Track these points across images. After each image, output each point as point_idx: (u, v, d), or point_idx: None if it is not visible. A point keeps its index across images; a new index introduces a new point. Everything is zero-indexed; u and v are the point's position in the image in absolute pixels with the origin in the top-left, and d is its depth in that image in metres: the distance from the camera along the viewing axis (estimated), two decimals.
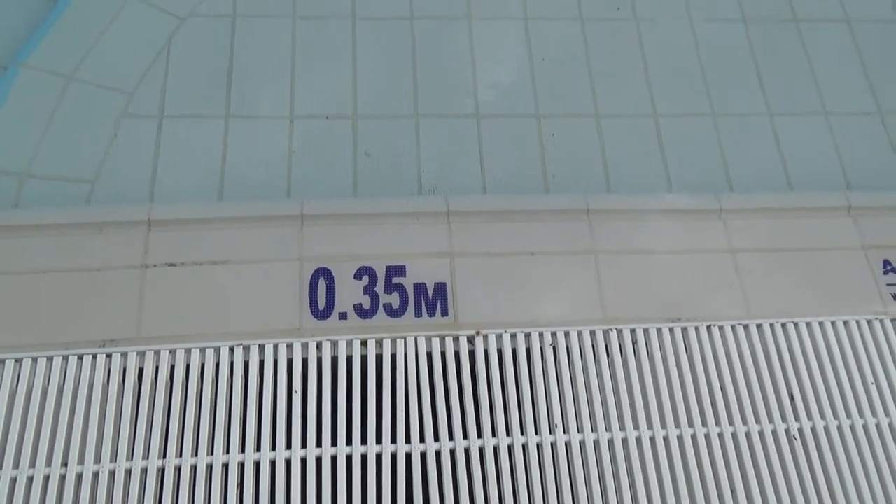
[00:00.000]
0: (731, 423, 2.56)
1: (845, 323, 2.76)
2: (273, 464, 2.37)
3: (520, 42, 3.37)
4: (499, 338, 2.61)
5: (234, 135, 3.05)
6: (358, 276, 2.68)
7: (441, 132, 3.14)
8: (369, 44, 3.32)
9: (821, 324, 2.75)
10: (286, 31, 3.31)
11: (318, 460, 2.38)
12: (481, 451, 2.43)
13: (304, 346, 2.53)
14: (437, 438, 2.43)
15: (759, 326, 2.72)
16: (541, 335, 2.62)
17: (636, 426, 2.52)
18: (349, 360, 2.55)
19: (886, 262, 2.86)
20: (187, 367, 2.49)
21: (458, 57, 3.32)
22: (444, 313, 2.64)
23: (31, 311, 2.53)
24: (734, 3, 3.53)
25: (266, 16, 3.34)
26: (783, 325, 2.73)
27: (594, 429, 2.50)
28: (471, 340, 2.61)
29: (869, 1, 3.59)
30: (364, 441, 2.42)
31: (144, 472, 2.32)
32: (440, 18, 3.41)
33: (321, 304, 2.63)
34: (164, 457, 2.35)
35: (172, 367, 2.49)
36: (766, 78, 3.34)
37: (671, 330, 2.68)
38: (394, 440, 2.42)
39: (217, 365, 2.50)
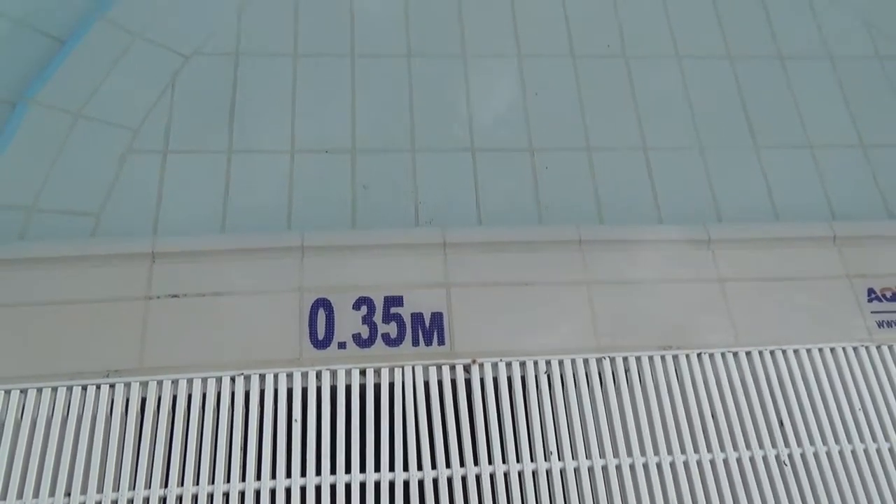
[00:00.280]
0: (722, 449, 2.61)
1: (832, 350, 2.83)
2: (273, 492, 2.41)
3: (514, 78, 3.48)
4: (494, 366, 2.67)
5: (237, 169, 3.14)
6: (357, 306, 2.75)
7: (437, 165, 3.23)
8: (368, 80, 3.42)
9: (808, 351, 2.82)
10: (287, 69, 3.42)
11: (318, 489, 2.42)
12: (478, 478, 2.47)
13: (304, 376, 2.59)
14: (434, 466, 2.48)
15: (748, 354, 2.78)
16: (535, 364, 2.68)
17: (629, 453, 2.57)
18: (348, 388, 2.61)
19: (870, 290, 2.94)
20: (189, 396, 2.54)
21: (454, 92, 3.42)
22: (441, 342, 2.70)
23: (37, 342, 2.59)
24: (720, 40, 3.65)
25: (268, 54, 3.45)
26: (772, 353, 2.79)
27: (588, 456, 2.55)
28: (467, 369, 2.66)
29: (849, 39, 3.72)
30: (363, 469, 2.46)
31: (147, 501, 2.35)
32: (437, 56, 3.52)
33: (321, 334, 2.69)
34: (167, 486, 2.39)
35: (174, 397, 2.54)
36: (751, 112, 3.45)
37: (663, 358, 2.74)
38: (392, 468, 2.47)
39: (218, 394, 2.55)
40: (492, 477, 2.48)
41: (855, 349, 2.84)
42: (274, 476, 2.43)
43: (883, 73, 3.62)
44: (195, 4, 3.55)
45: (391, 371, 2.63)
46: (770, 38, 3.69)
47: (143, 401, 2.53)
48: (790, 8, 3.81)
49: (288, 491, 2.41)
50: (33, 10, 3.51)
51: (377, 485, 2.43)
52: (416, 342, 2.69)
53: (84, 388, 2.51)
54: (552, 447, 2.54)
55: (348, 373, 2.61)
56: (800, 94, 3.52)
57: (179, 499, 2.38)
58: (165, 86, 3.32)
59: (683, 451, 2.59)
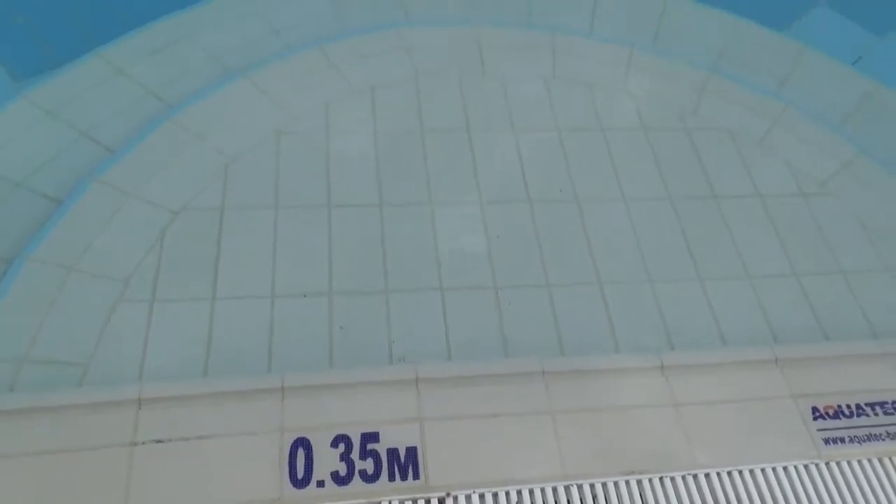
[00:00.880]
0: None
1: (785, 468, 3.01)
2: None
3: (477, 223, 3.81)
4: (468, 498, 2.79)
5: (220, 315, 3.35)
6: (335, 444, 2.89)
7: (409, 305, 3.47)
8: (343, 228, 3.73)
9: (762, 470, 2.99)
10: (269, 219, 3.72)
11: None
12: None
13: None
14: None
15: (706, 475, 2.95)
16: (507, 494, 2.81)
17: None
18: None
19: (815, 409, 3.16)
20: None
21: (423, 237, 3.73)
22: (416, 476, 2.83)
23: (24, 493, 2.66)
24: (660, 184, 4.06)
25: (251, 207, 3.76)
26: (728, 473, 2.96)
27: None
28: (441, 502, 2.78)
29: (774, 178, 4.16)
30: None
31: None
32: (406, 204, 3.86)
33: (300, 473, 2.81)
34: None
35: None
36: (693, 247, 3.79)
37: (627, 482, 2.89)
38: None
39: None
40: None
41: (806, 466, 3.02)
42: None
43: (807, 208, 4.03)
44: (186, 163, 3.89)
45: None
46: (705, 180, 4.11)
47: None
48: (720, 152, 4.27)
49: None
50: (33, 172, 3.82)
51: None
52: (392, 477, 2.81)
53: None
54: None
55: None
56: (735, 230, 3.89)
57: None
58: (155, 239, 3.59)
59: None
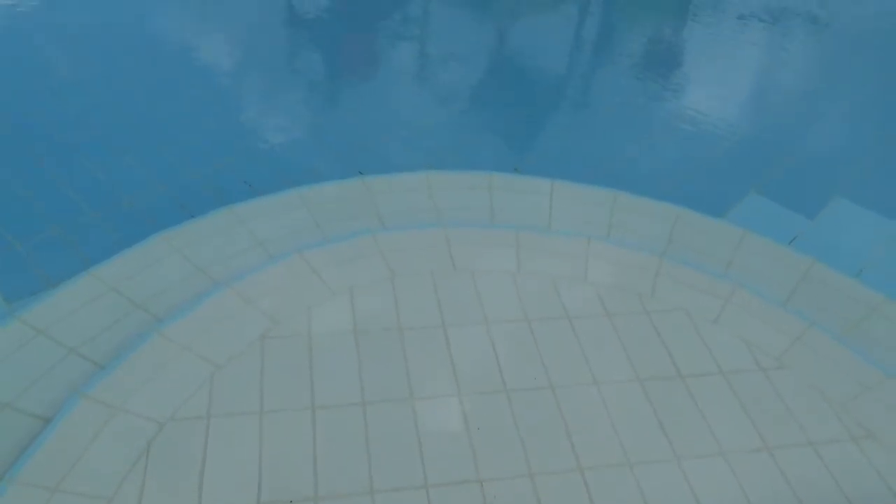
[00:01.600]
0: None
1: None
2: None
3: (458, 416, 3.94)
4: None
5: None
6: None
7: None
8: (327, 429, 3.82)
9: None
10: (254, 426, 3.80)
11: None
12: None
13: None
14: None
15: None
16: None
17: None
18: None
19: None
20: None
21: (406, 434, 3.82)
22: None
23: None
24: (628, 366, 4.29)
25: (236, 414, 3.86)
26: None
27: None
28: None
29: (732, 354, 4.42)
30: None
31: None
32: (387, 400, 4.00)
33: None
34: None
35: None
36: (667, 427, 3.94)
37: None
38: None
39: None
40: None
41: None
42: None
43: (768, 381, 4.25)
44: (172, 374, 4.04)
45: None
46: (669, 360, 4.35)
47: None
48: (679, 332, 4.56)
49: None
50: (21, 392, 3.92)
51: None
52: None
53: None
54: None
55: None
56: (704, 408, 4.07)
57: None
58: (140, 453, 3.63)
59: None
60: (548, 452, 3.78)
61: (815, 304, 4.98)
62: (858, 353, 4.51)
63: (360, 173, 6.04)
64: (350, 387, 4.07)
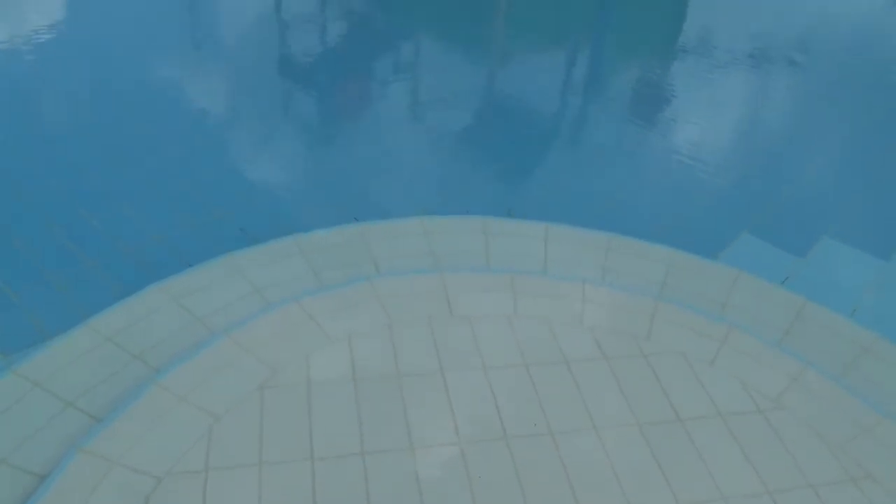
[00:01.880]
0: None
1: None
2: None
3: (458, 464, 3.92)
4: None
5: None
6: None
7: None
8: (326, 481, 3.79)
9: None
10: (253, 479, 3.77)
11: None
12: None
13: None
14: None
15: None
16: None
17: None
18: None
19: None
20: None
21: (406, 484, 3.80)
22: None
23: None
24: (627, 410, 4.29)
25: (235, 466, 3.82)
26: None
27: None
28: None
29: (732, 397, 4.44)
30: None
31: None
32: (387, 451, 3.98)
33: None
34: None
35: None
36: (667, 472, 3.93)
37: None
38: None
39: None
40: None
41: None
42: None
43: (766, 423, 4.26)
44: (170, 427, 4.01)
45: None
46: (668, 403, 4.36)
47: None
48: (677, 375, 4.57)
49: None
50: (16, 448, 3.88)
51: None
52: None
53: None
54: None
55: None
56: (704, 451, 4.07)
57: None
58: None
59: None
60: (549, 500, 3.76)
61: (810, 343, 5.02)
62: (855, 394, 4.53)
63: (356, 219, 6.09)
64: (349, 436, 4.05)
